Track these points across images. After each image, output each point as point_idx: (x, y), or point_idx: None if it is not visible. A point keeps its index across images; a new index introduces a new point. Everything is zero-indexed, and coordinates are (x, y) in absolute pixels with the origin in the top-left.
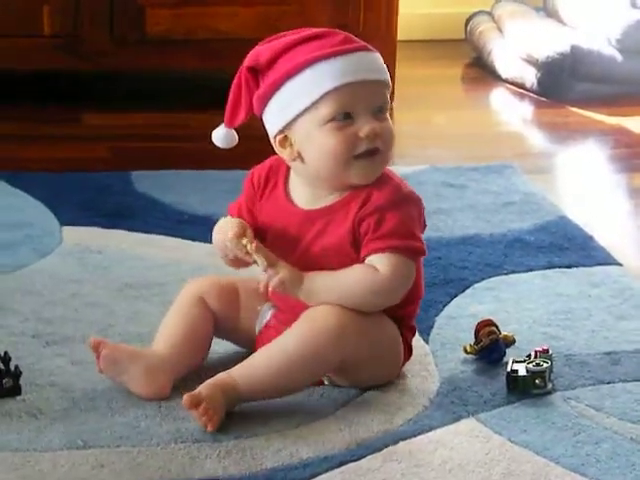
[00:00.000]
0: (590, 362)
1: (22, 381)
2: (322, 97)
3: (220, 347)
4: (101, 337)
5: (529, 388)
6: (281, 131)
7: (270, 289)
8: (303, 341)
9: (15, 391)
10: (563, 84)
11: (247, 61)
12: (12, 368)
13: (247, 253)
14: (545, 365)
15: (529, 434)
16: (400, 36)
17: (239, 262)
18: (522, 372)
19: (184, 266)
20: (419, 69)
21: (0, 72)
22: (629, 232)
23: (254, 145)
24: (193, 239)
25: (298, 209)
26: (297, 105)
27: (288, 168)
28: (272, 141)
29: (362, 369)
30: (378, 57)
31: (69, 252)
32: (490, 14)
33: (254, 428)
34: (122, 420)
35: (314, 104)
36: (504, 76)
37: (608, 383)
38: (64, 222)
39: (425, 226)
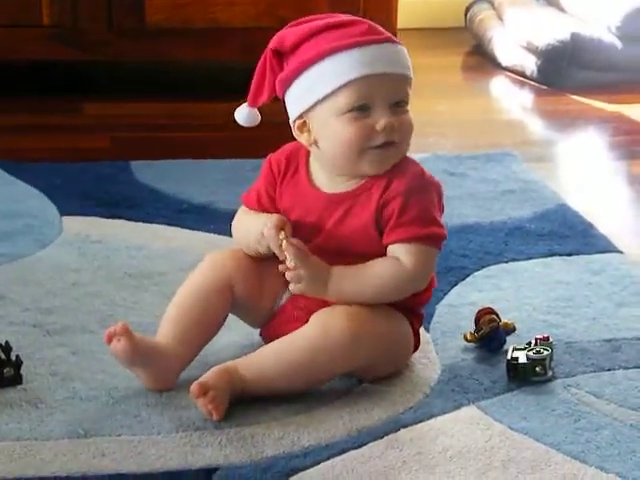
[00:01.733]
0: (590, 349)
1: (23, 370)
2: (340, 87)
3: (225, 338)
4: (125, 323)
5: (529, 375)
6: (300, 116)
7: (291, 290)
8: (314, 348)
9: (16, 380)
10: (563, 72)
11: (272, 43)
12: (13, 358)
13: (280, 247)
14: (545, 352)
15: (529, 421)
16: (400, 24)
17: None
18: (522, 360)
19: (185, 255)
20: (419, 57)
21: None
22: (629, 220)
23: (255, 134)
24: (193, 228)
25: (321, 192)
26: (316, 93)
27: (308, 152)
28: (292, 125)
29: (372, 369)
30: (401, 50)
31: (69, 242)
32: (490, 2)
33: (255, 416)
34: (123, 409)
35: (332, 94)
36: (504, 64)
37: (608, 370)
38: (64, 212)
39: (443, 210)
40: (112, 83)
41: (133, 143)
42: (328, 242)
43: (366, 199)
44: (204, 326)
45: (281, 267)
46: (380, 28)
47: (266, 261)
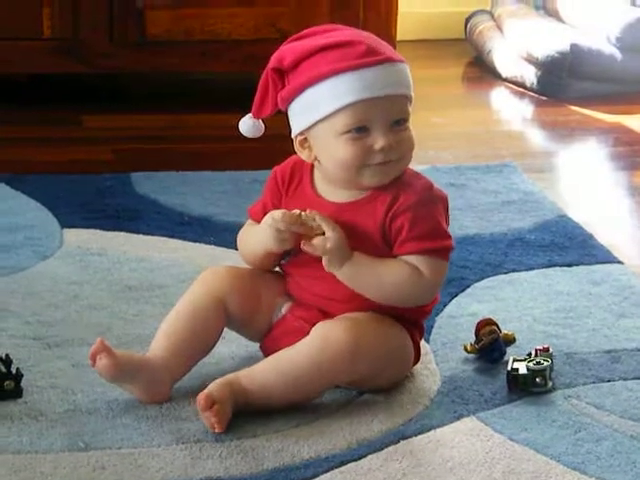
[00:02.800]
0: (590, 360)
1: (23, 383)
2: (339, 110)
3: (224, 349)
4: (102, 339)
5: (530, 386)
6: (301, 133)
7: (313, 253)
8: (315, 359)
9: (16, 393)
10: (563, 83)
11: (272, 62)
12: (13, 371)
13: (302, 223)
14: (546, 363)
15: (530, 432)
16: (400, 36)
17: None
18: (523, 371)
19: (185, 268)
20: (419, 69)
21: (0, 75)
22: (629, 230)
23: (255, 146)
24: (194, 241)
25: (325, 201)
26: (315, 113)
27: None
28: (293, 140)
29: (373, 380)
30: (401, 68)
31: (70, 254)
32: (490, 13)
33: (255, 428)
34: (123, 421)
35: (331, 115)
36: (504, 75)
37: (608, 381)
38: (65, 224)
39: (449, 222)
40: (113, 95)
41: (135, 155)
42: None
43: (371, 209)
44: (197, 340)
45: (304, 244)
46: (380, 46)
47: (262, 276)
